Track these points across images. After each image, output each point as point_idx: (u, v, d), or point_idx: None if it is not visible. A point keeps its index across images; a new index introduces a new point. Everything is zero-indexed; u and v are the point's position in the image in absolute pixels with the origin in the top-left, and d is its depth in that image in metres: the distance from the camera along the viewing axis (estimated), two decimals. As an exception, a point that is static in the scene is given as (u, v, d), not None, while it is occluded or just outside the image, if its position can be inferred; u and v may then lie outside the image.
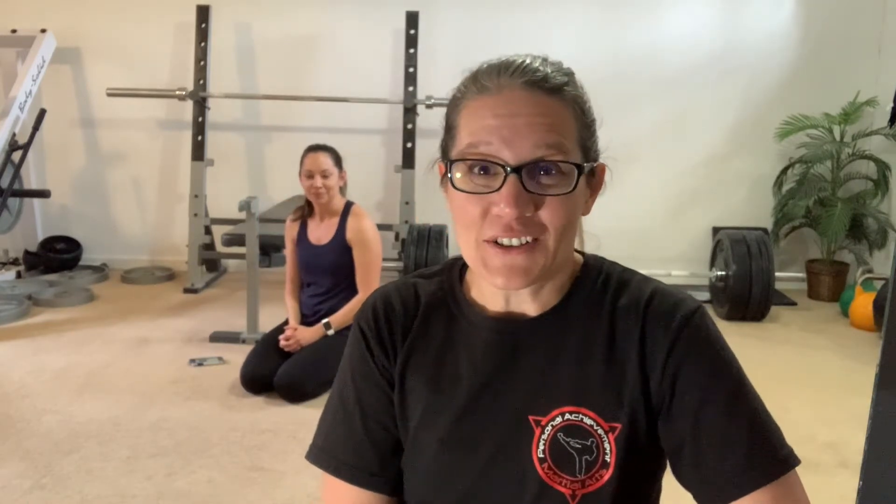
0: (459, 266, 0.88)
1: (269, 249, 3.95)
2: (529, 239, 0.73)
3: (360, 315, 0.88)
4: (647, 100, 4.76)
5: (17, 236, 4.91)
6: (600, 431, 0.77)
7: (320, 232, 3.04)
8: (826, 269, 4.62)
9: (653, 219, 4.87)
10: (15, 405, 2.76)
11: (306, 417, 2.68)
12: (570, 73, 0.78)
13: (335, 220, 3.03)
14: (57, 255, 4.93)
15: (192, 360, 3.25)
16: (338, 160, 3.01)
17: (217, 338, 3.54)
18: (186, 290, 4.53)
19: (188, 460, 2.35)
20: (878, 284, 4.14)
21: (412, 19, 4.64)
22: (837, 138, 4.59)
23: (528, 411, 0.79)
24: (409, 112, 4.62)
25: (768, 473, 0.73)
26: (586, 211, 0.82)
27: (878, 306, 3.75)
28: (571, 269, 0.84)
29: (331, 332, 2.96)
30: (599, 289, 0.82)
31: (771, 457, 0.74)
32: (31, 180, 4.86)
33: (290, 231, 3.14)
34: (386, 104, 4.79)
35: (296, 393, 2.81)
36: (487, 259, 0.75)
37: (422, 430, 0.82)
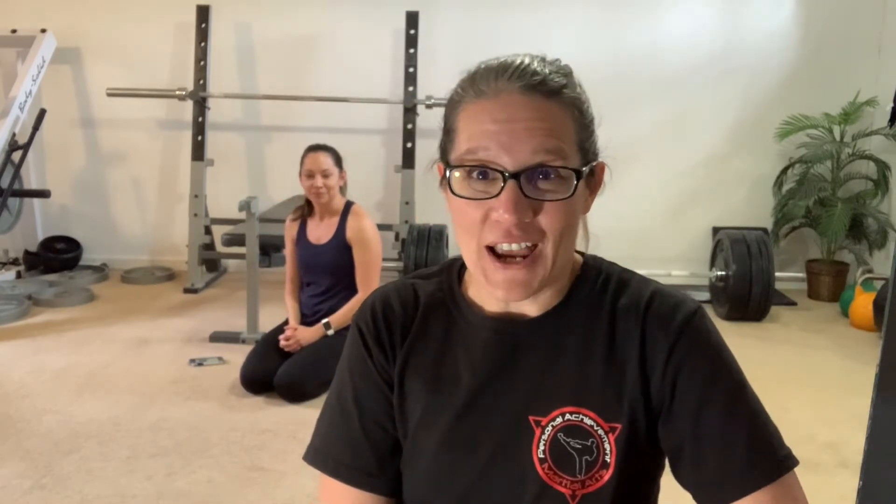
0: (458, 266, 0.88)
1: (269, 249, 3.95)
2: (529, 244, 0.73)
3: (359, 315, 0.88)
4: (647, 100, 4.76)
5: (17, 236, 4.91)
6: (600, 432, 0.77)
7: (320, 231, 3.04)
8: (826, 269, 4.62)
9: (653, 219, 4.87)
10: (15, 405, 2.76)
11: (306, 417, 2.68)
12: (568, 73, 0.78)
13: (335, 220, 3.03)
14: (57, 255, 4.93)
15: (192, 360, 3.25)
16: (338, 160, 3.01)
17: (217, 338, 3.54)
18: (186, 290, 4.53)
19: (188, 460, 2.35)
20: (878, 284, 4.13)
21: (412, 19, 4.64)
22: (837, 138, 4.59)
23: (528, 412, 0.79)
24: (409, 112, 4.62)
25: (767, 474, 0.73)
26: (585, 210, 0.82)
27: (878, 306, 3.75)
28: (571, 269, 0.83)
29: (331, 331, 2.96)
30: (599, 289, 0.82)
31: (770, 458, 0.74)
32: (31, 180, 4.86)
33: (289, 231, 3.14)
34: (386, 104, 4.79)
35: (296, 393, 2.81)
36: (489, 272, 0.75)
37: (421, 431, 0.82)
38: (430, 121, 4.58)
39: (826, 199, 4.56)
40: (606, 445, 0.77)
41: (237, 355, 3.16)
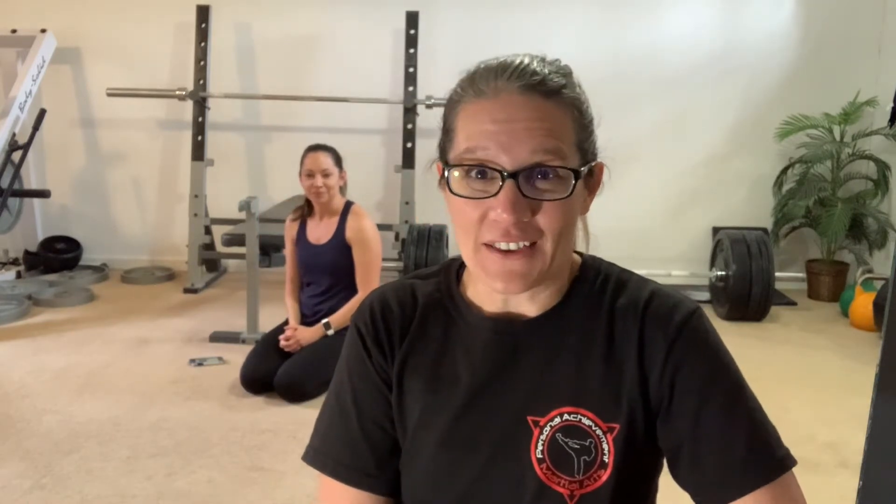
0: (457, 267, 0.88)
1: (269, 249, 3.95)
2: (527, 243, 0.74)
3: (358, 316, 0.88)
4: (647, 100, 4.76)
5: (17, 236, 4.91)
6: (598, 432, 0.77)
7: (320, 231, 3.04)
8: (826, 269, 4.62)
9: (653, 219, 4.87)
10: (15, 405, 2.76)
11: (306, 417, 2.68)
12: (568, 73, 0.78)
13: (335, 220, 3.03)
14: (57, 255, 4.94)
15: (192, 360, 3.25)
16: (338, 160, 3.01)
17: (217, 338, 3.54)
18: (186, 290, 4.53)
19: (188, 460, 2.35)
20: (878, 284, 4.13)
21: (412, 19, 4.64)
22: (837, 138, 4.59)
23: (526, 412, 0.79)
24: (409, 112, 4.62)
25: (766, 474, 0.73)
26: (584, 210, 0.82)
27: (878, 306, 3.75)
28: (570, 269, 0.84)
29: (331, 331, 2.96)
30: (598, 289, 0.82)
31: (769, 458, 0.74)
32: (31, 180, 4.86)
33: (289, 231, 3.14)
34: (386, 104, 4.79)
35: (296, 393, 2.82)
36: (486, 264, 0.75)
37: (420, 431, 0.82)
38: (430, 121, 4.58)
39: (826, 199, 4.56)
40: (604, 445, 0.77)
41: (237, 355, 3.16)
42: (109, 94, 4.57)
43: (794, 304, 4.51)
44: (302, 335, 2.96)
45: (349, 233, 2.99)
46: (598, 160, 0.81)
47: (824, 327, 4.06)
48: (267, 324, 3.38)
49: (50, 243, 5.01)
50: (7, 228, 4.51)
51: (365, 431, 0.85)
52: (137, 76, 4.77)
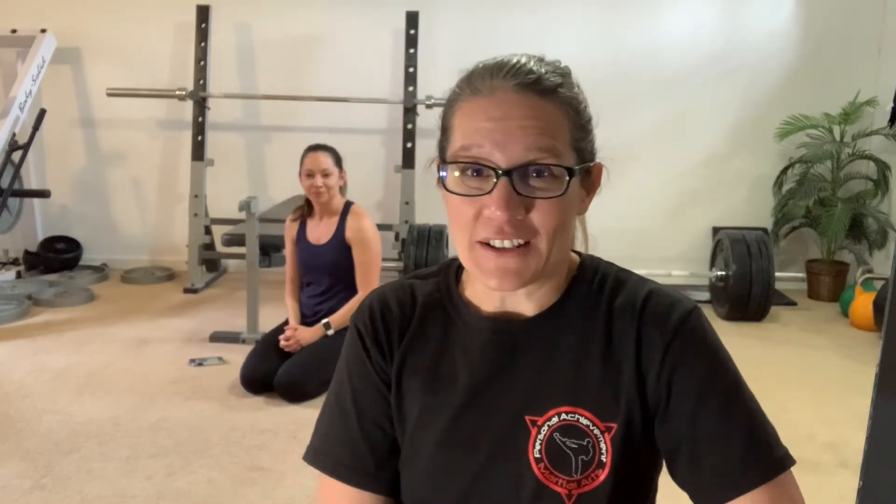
0: (456, 266, 0.89)
1: (269, 249, 3.95)
2: (521, 241, 0.74)
3: (357, 316, 0.88)
4: (647, 100, 4.76)
5: (17, 236, 4.91)
6: (596, 431, 0.77)
7: (319, 231, 3.04)
8: (826, 269, 4.62)
9: (653, 219, 4.87)
10: (15, 405, 2.76)
11: (306, 417, 2.68)
12: (565, 73, 0.78)
13: (334, 220, 3.03)
14: (57, 255, 4.94)
15: (192, 360, 3.25)
16: (338, 160, 3.01)
17: (217, 338, 3.54)
18: (186, 290, 4.53)
19: (188, 460, 2.35)
20: (878, 284, 4.13)
21: (412, 19, 4.64)
22: (837, 138, 4.59)
23: (524, 411, 0.79)
24: (409, 112, 4.62)
25: (764, 474, 0.73)
26: (582, 210, 0.82)
27: (878, 306, 3.75)
28: (567, 268, 0.84)
29: (330, 332, 2.96)
30: (596, 289, 0.82)
31: (767, 457, 0.74)
32: (31, 180, 4.86)
33: (289, 231, 3.14)
34: (386, 104, 4.79)
35: (296, 393, 2.82)
36: (481, 261, 0.76)
37: (419, 431, 0.83)
38: (430, 121, 4.57)
39: (826, 199, 4.56)
40: (602, 445, 0.77)
41: (237, 355, 3.16)
42: (109, 94, 4.57)
43: (794, 304, 4.51)
44: (302, 335, 2.96)
45: (349, 233, 2.99)
46: (597, 161, 0.81)
47: (824, 327, 4.06)
48: (267, 324, 3.38)
49: (50, 243, 5.01)
50: (7, 228, 4.51)
51: (364, 432, 0.85)
52: (137, 76, 4.77)
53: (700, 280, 4.58)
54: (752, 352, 3.56)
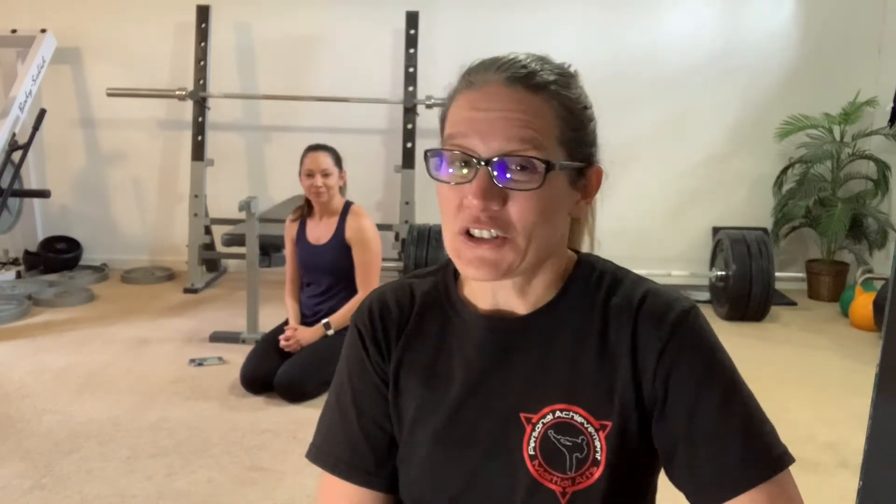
0: (455, 265, 0.89)
1: (269, 249, 3.95)
2: (498, 233, 0.74)
3: (357, 315, 0.89)
4: (647, 100, 4.76)
5: (17, 236, 4.91)
6: (591, 429, 0.77)
7: (319, 231, 3.04)
8: (826, 269, 4.62)
9: (653, 219, 4.87)
10: (15, 405, 2.76)
11: (306, 417, 2.68)
12: (567, 74, 0.78)
13: (334, 220, 3.03)
14: (57, 255, 4.94)
15: (192, 360, 3.25)
16: (338, 160, 3.01)
17: (217, 338, 3.54)
18: (186, 290, 4.53)
19: (188, 460, 2.35)
20: (878, 284, 4.13)
21: (412, 19, 4.64)
22: (837, 138, 4.59)
23: (519, 409, 0.79)
24: (409, 112, 4.62)
25: (763, 473, 0.73)
26: (577, 212, 0.81)
27: (878, 306, 3.75)
28: (564, 267, 0.84)
29: (330, 332, 2.96)
30: (592, 287, 0.82)
31: (765, 456, 0.74)
32: (31, 180, 4.86)
33: (289, 231, 3.14)
34: (386, 104, 4.79)
35: (296, 393, 2.82)
36: (460, 250, 0.76)
37: (416, 428, 0.83)
38: (430, 121, 4.58)
39: (826, 199, 4.56)
40: (597, 443, 0.77)
41: (237, 355, 3.16)
42: (109, 94, 4.57)
43: (794, 304, 4.51)
44: (302, 335, 2.96)
45: (349, 233, 2.99)
46: (597, 165, 0.81)
47: (824, 327, 4.06)
48: (267, 324, 3.38)
49: (50, 243, 5.01)
50: (7, 228, 4.51)
51: (364, 431, 0.86)
52: (137, 76, 4.77)
53: (700, 280, 4.58)
54: (752, 352, 3.56)
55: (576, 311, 0.81)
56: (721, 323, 4.13)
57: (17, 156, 4.28)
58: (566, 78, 0.78)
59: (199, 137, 4.67)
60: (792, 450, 0.77)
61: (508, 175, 0.73)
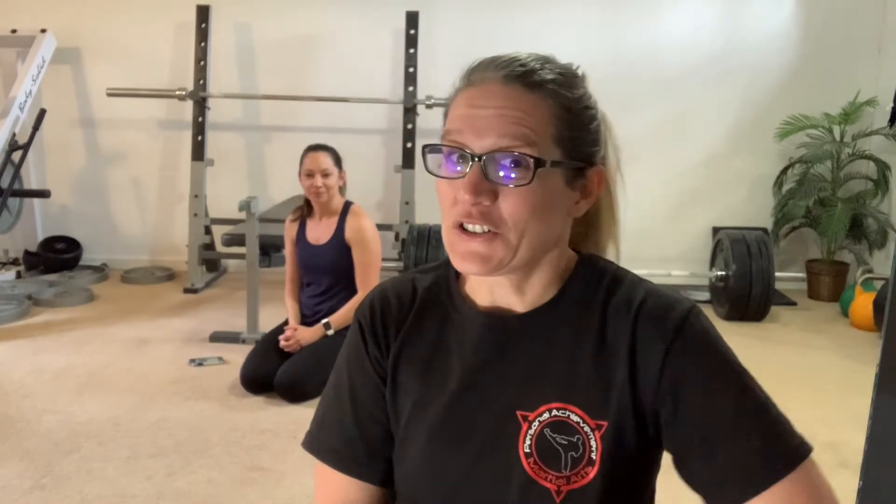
0: None
1: (269, 249, 3.95)
2: (488, 228, 0.75)
3: (359, 309, 0.90)
4: (647, 100, 4.76)
5: (17, 236, 4.91)
6: (586, 429, 0.77)
7: (319, 231, 3.04)
8: (826, 269, 4.62)
9: (653, 219, 4.86)
10: (15, 405, 2.76)
11: (306, 417, 2.64)
12: (569, 75, 0.78)
13: (334, 220, 3.03)
14: (57, 255, 4.93)
15: (192, 360, 3.25)
16: (338, 160, 3.01)
17: (217, 338, 3.54)
18: (186, 290, 4.53)
19: (188, 460, 2.35)
20: (878, 284, 4.13)
21: (412, 19, 4.64)
22: (837, 138, 4.59)
23: (515, 406, 0.79)
24: (409, 112, 4.62)
25: (785, 465, 0.72)
26: (575, 212, 0.81)
27: (878, 306, 3.75)
28: (564, 266, 0.84)
29: (330, 332, 2.96)
30: (592, 286, 0.82)
31: (785, 448, 0.73)
32: (31, 180, 4.86)
33: (289, 231, 3.14)
34: (386, 104, 4.79)
35: (296, 393, 2.81)
36: (454, 243, 0.77)
37: (412, 423, 0.83)
38: (430, 121, 4.58)
39: (826, 199, 4.56)
40: (592, 442, 0.77)
41: (237, 355, 3.16)
42: (109, 94, 4.57)
43: (794, 304, 4.51)
44: (302, 335, 2.96)
45: (349, 233, 2.99)
46: (598, 167, 0.81)
47: (824, 327, 4.06)
48: (267, 324, 3.38)
49: (50, 243, 5.01)
50: (7, 228, 4.51)
51: (359, 422, 0.86)
52: (137, 76, 4.77)
53: (700, 280, 4.58)
54: (752, 352, 3.52)
55: (574, 309, 0.81)
56: (721, 323, 4.13)
57: (17, 156, 4.28)
58: (567, 78, 0.78)
59: (199, 137, 4.67)
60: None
61: (500, 171, 0.74)
